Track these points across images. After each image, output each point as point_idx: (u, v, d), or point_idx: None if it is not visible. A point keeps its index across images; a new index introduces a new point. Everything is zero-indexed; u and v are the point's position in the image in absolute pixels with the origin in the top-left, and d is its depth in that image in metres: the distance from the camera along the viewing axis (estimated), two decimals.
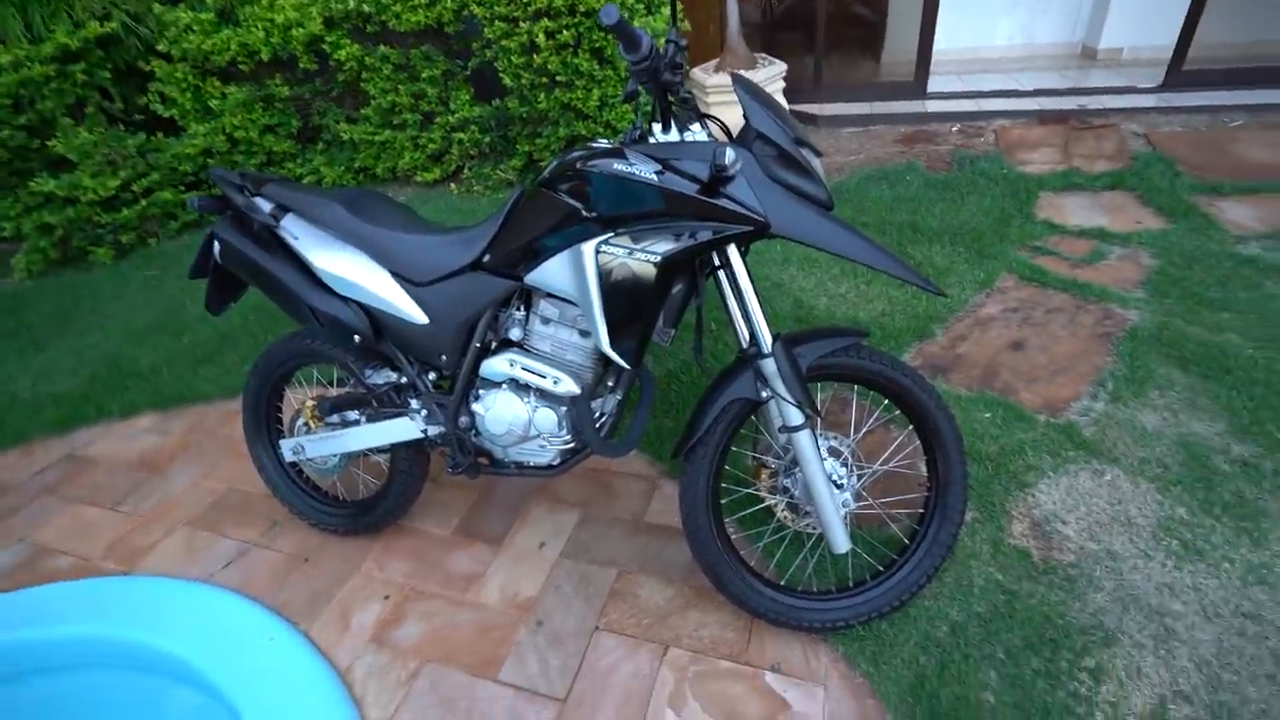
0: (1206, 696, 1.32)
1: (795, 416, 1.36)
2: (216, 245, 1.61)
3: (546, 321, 1.47)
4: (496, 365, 1.49)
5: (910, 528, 1.59)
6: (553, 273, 1.37)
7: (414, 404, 1.62)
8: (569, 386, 1.45)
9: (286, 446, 1.81)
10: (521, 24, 3.29)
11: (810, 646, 1.50)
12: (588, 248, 1.30)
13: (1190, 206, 2.87)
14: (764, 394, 1.39)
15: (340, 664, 1.58)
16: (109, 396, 2.65)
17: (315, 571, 1.83)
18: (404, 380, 1.62)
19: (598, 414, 1.53)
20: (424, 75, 3.67)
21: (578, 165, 1.30)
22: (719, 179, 1.21)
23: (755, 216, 1.23)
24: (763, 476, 1.58)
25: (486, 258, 1.45)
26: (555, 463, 1.57)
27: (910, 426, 1.51)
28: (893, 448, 1.70)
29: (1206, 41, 3.84)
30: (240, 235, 1.58)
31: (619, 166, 1.24)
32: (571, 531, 1.85)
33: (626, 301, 1.32)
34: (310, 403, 1.79)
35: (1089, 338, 2.21)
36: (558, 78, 3.41)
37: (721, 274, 1.43)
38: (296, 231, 1.54)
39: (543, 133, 3.68)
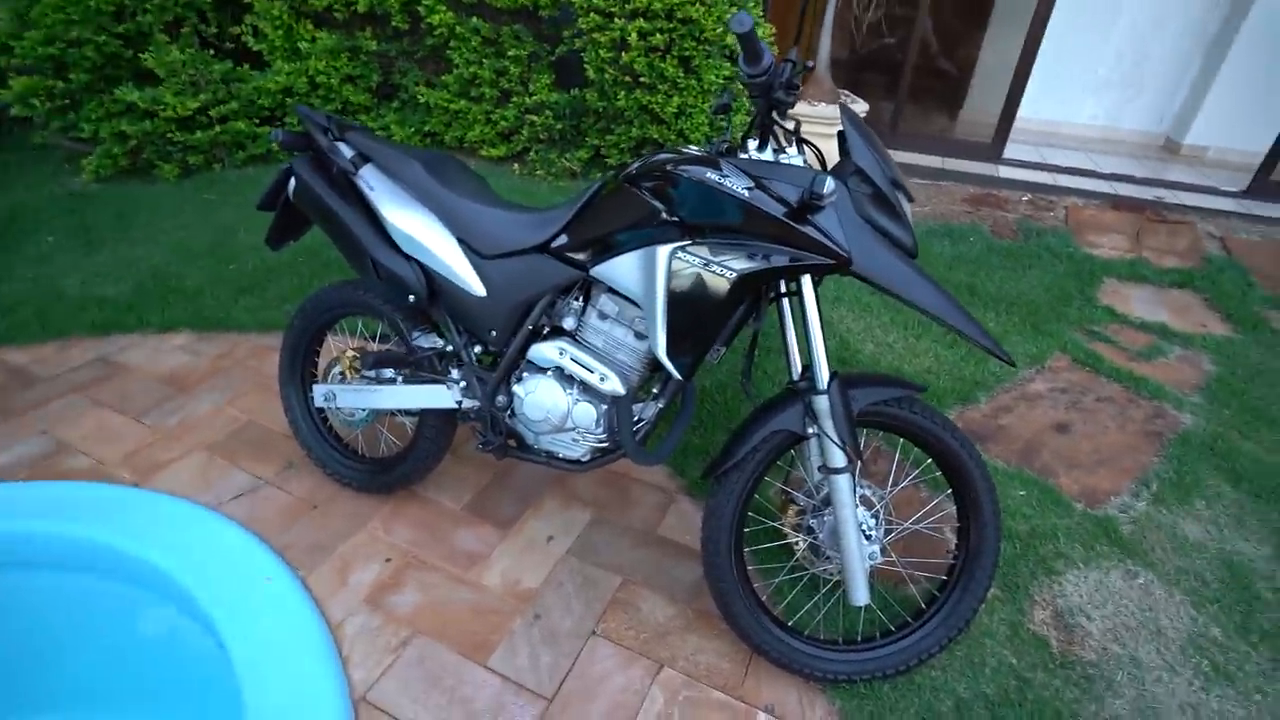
0: None
1: (839, 459, 1.32)
2: (292, 182, 1.62)
3: (604, 317, 1.45)
4: (546, 351, 1.47)
5: (929, 593, 1.55)
6: (621, 269, 1.36)
7: (454, 374, 1.61)
8: (615, 385, 1.42)
9: (319, 392, 1.81)
10: (616, 20, 3.30)
11: (807, 695, 1.46)
12: (663, 251, 1.28)
13: (1260, 319, 2.78)
14: (810, 430, 1.35)
15: (332, 618, 1.56)
16: (150, 309, 2.68)
17: (322, 521, 1.82)
18: (449, 349, 1.61)
19: (636, 419, 1.51)
20: (510, 53, 3.70)
21: (668, 167, 1.28)
22: (810, 206, 1.18)
23: (839, 251, 1.20)
24: (789, 513, 1.54)
25: (556, 242, 1.43)
26: (584, 459, 1.54)
27: (949, 491, 1.47)
28: (924, 508, 1.65)
29: None
30: (317, 176, 1.58)
31: (711, 175, 1.22)
32: (582, 531, 1.82)
33: (691, 312, 1.29)
34: (351, 353, 1.78)
35: (1138, 434, 2.14)
36: (641, 78, 3.41)
37: (786, 302, 1.40)
38: (373, 183, 1.54)
39: (615, 130, 3.68)
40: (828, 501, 1.48)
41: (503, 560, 1.73)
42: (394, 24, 3.78)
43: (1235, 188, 3.86)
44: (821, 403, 1.31)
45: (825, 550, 1.48)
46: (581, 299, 1.49)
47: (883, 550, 1.44)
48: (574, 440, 1.52)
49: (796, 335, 1.42)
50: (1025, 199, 3.76)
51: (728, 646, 1.54)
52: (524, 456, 1.61)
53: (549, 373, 1.50)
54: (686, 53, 3.33)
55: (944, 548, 1.73)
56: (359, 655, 1.48)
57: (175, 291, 2.80)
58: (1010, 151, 4.17)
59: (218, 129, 3.78)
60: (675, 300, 1.29)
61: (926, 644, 1.47)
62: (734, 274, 1.24)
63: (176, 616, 1.62)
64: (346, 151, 1.57)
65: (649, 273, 1.30)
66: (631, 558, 1.75)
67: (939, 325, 1.28)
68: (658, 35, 3.29)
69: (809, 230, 1.20)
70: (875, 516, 1.44)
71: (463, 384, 1.59)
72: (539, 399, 1.48)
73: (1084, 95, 4.66)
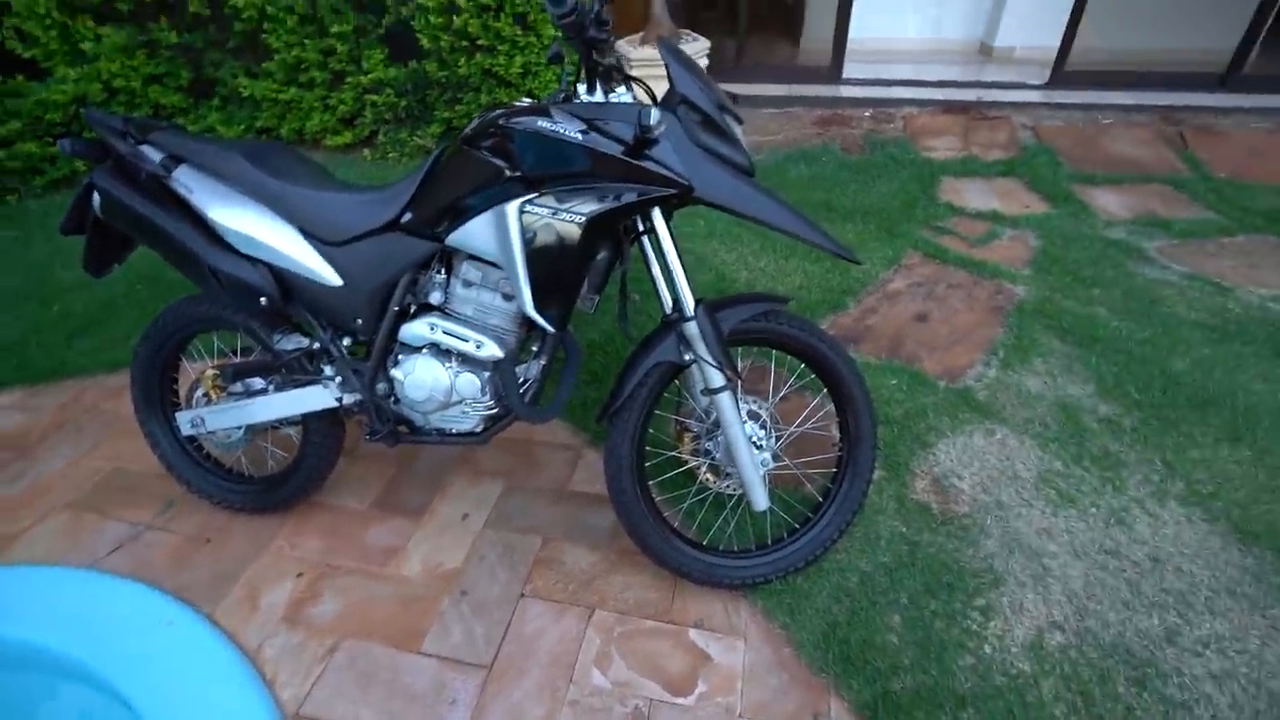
0: (1076, 624, 1.48)
1: (717, 379, 1.40)
2: (96, 197, 1.46)
3: (469, 285, 1.43)
4: (416, 329, 1.44)
5: (824, 487, 1.68)
6: (475, 234, 1.34)
7: (327, 371, 1.54)
8: (492, 350, 1.42)
9: (184, 419, 1.68)
10: None
11: (731, 603, 1.57)
12: (511, 208, 1.28)
13: (1069, 193, 3.15)
14: (687, 357, 1.42)
15: (249, 645, 1.50)
16: None
17: (219, 552, 1.72)
18: (316, 346, 1.53)
19: (521, 379, 1.52)
20: (333, 30, 3.44)
21: (500, 122, 1.26)
22: (644, 141, 1.21)
23: (679, 179, 1.24)
24: (685, 440, 1.62)
25: (405, 217, 1.39)
26: (478, 429, 1.54)
27: (824, 390, 1.59)
28: (807, 411, 1.78)
29: (1085, 46, 4.20)
30: (124, 186, 1.44)
31: (543, 124, 1.22)
32: (495, 502, 1.83)
33: (551, 263, 1.30)
34: (211, 372, 1.66)
35: (984, 311, 2.39)
36: (479, 41, 3.29)
37: (646, 240, 1.44)
38: (191, 184, 1.42)
39: (463, 99, 3.54)
40: (719, 423, 1.57)
41: (420, 548, 1.71)
42: (192, 10, 3.41)
43: (1039, 81, 4.28)
44: (691, 329, 1.38)
45: (724, 468, 1.57)
46: (443, 271, 1.46)
47: (775, 456, 1.55)
48: (463, 413, 1.51)
49: (661, 270, 1.48)
50: (868, 114, 4.00)
51: (651, 578, 1.62)
52: (417, 440, 1.58)
53: (424, 350, 1.47)
54: (519, 9, 3.23)
55: (831, 443, 1.88)
56: (285, 674, 1.44)
57: None
58: (849, 71, 4.39)
59: (1, 154, 3.30)
60: (533, 254, 1.30)
61: (828, 532, 1.61)
62: (583, 218, 1.25)
63: (74, 690, 1.50)
64: (154, 155, 1.43)
65: (502, 232, 1.30)
66: (548, 517, 1.78)
67: (785, 237, 1.36)
68: None
69: (647, 164, 1.23)
70: (764, 427, 1.54)
71: (339, 379, 1.53)
72: (419, 378, 1.45)
73: (906, 12, 4.96)
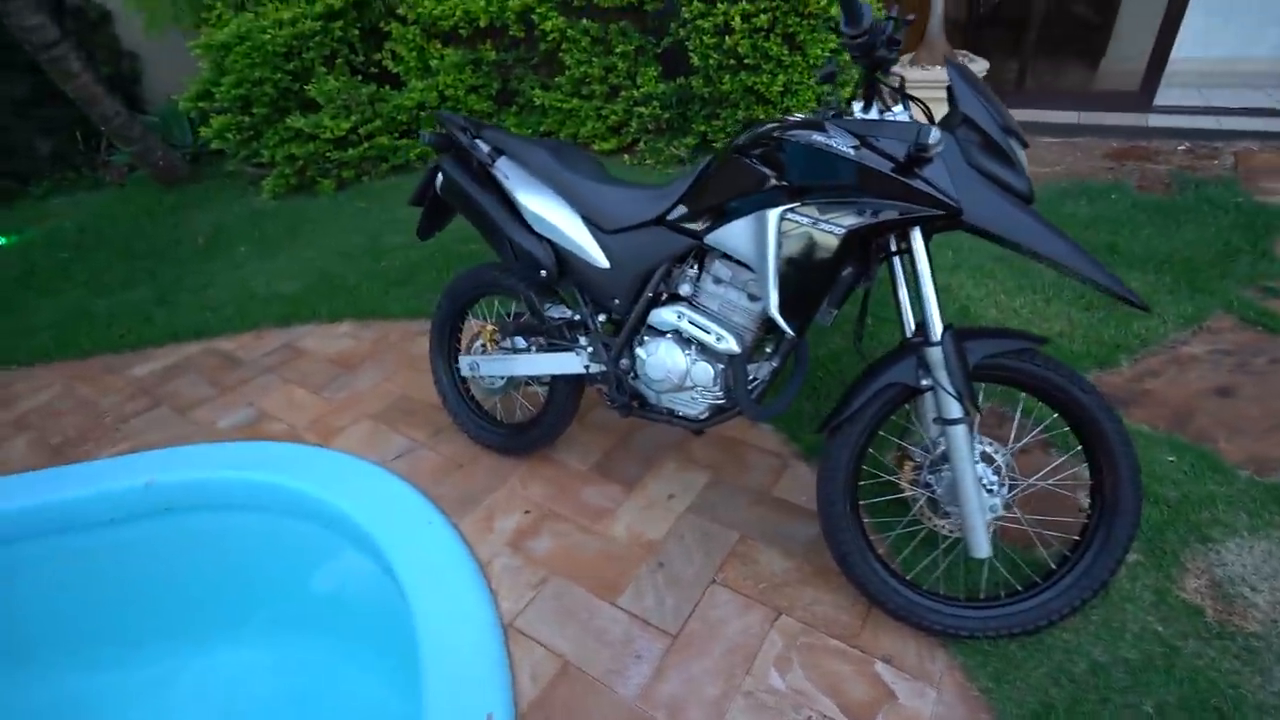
0: None
1: (954, 409, 1.33)
2: (439, 177, 1.85)
3: (718, 281, 1.55)
4: (665, 315, 1.59)
5: (1060, 554, 1.50)
6: (734, 235, 1.44)
7: (582, 341, 1.77)
8: (730, 345, 1.51)
9: (464, 362, 2.05)
10: (719, 5, 3.36)
11: (926, 648, 1.47)
12: (772, 214, 1.35)
13: None
14: (924, 382, 1.37)
15: (481, 557, 1.78)
16: (320, 302, 3.11)
17: (468, 477, 2.06)
18: (576, 318, 1.77)
19: (751, 377, 1.59)
20: (618, 49, 3.87)
21: (775, 134, 1.34)
22: (917, 159, 1.21)
23: (948, 201, 1.21)
24: (906, 468, 1.55)
25: (672, 215, 1.54)
26: (703, 416, 1.65)
27: (1077, 448, 1.42)
28: (1050, 467, 1.59)
29: None
30: (460, 170, 1.80)
31: (817, 138, 1.28)
32: (700, 490, 1.93)
33: (802, 270, 1.35)
34: (491, 327, 2.00)
35: None
36: (745, 60, 3.45)
37: (897, 260, 1.42)
38: (508, 172, 1.73)
39: (721, 114, 3.74)
40: (945, 457, 1.48)
41: (627, 515, 1.87)
42: (511, 34, 4.08)
43: None
44: (935, 354, 1.33)
45: (944, 506, 1.49)
46: (696, 266, 1.59)
47: (1006, 506, 1.42)
48: (692, 399, 1.63)
49: (909, 292, 1.45)
50: (1182, 148, 3.38)
51: (845, 600, 1.59)
52: (646, 415, 1.74)
53: (668, 336, 1.61)
54: (790, 29, 3.32)
55: (1075, 507, 1.65)
56: (505, 588, 1.68)
57: (338, 288, 3.22)
58: (1163, 98, 3.75)
59: (365, 145, 4.26)
60: (785, 260, 1.36)
61: (1057, 604, 1.43)
62: (842, 230, 1.28)
63: (355, 552, 1.92)
64: (484, 146, 1.77)
65: (760, 236, 1.38)
66: (748, 516, 1.83)
67: (1060, 273, 1.24)
68: (761, 16, 3.31)
69: (916, 183, 1.22)
70: (997, 473, 1.42)
71: (590, 350, 1.75)
72: (660, 359, 1.60)
73: (1264, 24, 4.07)
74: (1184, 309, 2.29)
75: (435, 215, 2.00)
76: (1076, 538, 1.46)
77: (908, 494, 1.55)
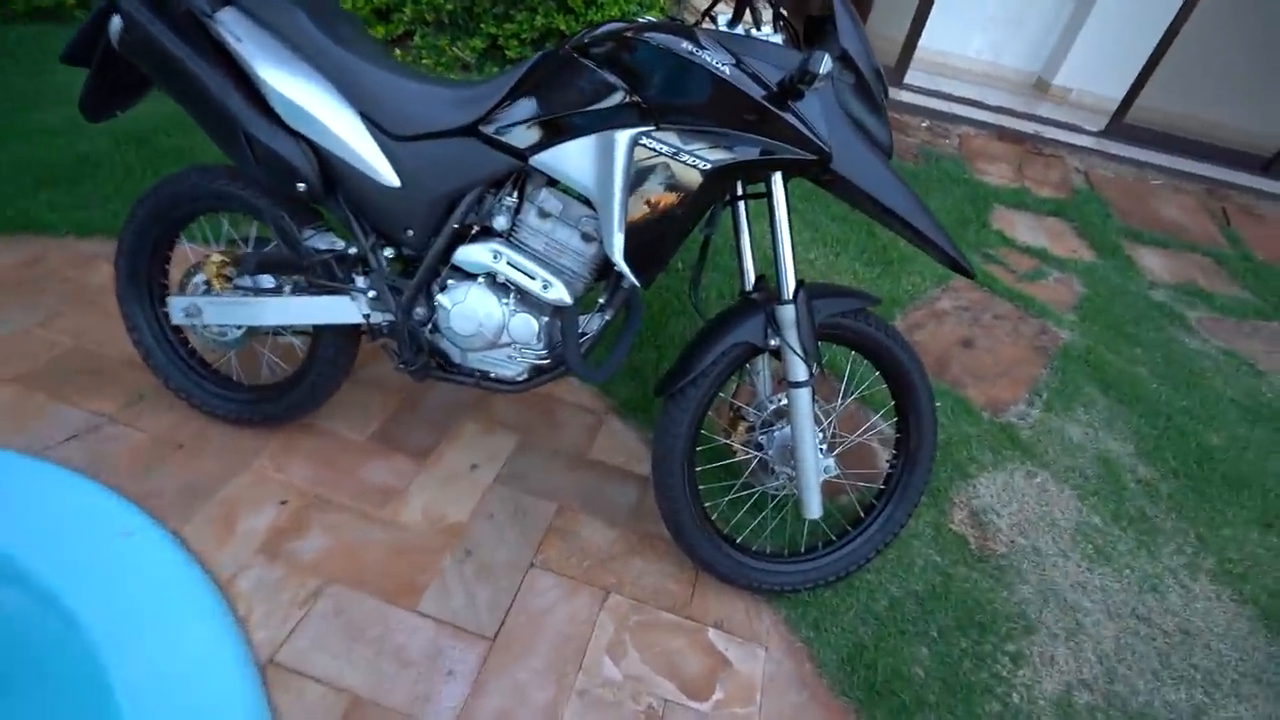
0: (1104, 686, 1.42)
1: (801, 372, 1.27)
2: (116, 22, 1.22)
3: (545, 215, 1.25)
4: (476, 254, 1.26)
5: (866, 502, 1.58)
6: (569, 158, 1.16)
7: (359, 282, 1.35)
8: (560, 294, 1.25)
9: (177, 306, 1.46)
10: None
11: (753, 607, 1.46)
12: (623, 136, 1.10)
13: (1117, 246, 3.09)
14: (772, 342, 1.28)
15: (221, 574, 1.32)
16: None
17: (193, 462, 1.52)
18: (352, 251, 1.34)
19: (581, 331, 1.35)
20: None
21: (629, 35, 1.08)
22: (792, 90, 1.05)
23: (820, 144, 1.09)
24: (739, 429, 1.49)
25: (488, 124, 1.20)
26: (521, 377, 1.38)
27: (888, 407, 1.48)
28: (860, 421, 1.67)
29: (1142, 104, 4.16)
30: (155, 17, 1.20)
31: (687, 46, 1.05)
32: (508, 457, 1.67)
33: (655, 210, 1.14)
34: (218, 258, 1.44)
35: (1028, 348, 2.31)
36: None
37: (741, 205, 1.29)
38: (239, 32, 1.19)
39: (515, 17, 3.27)
40: (779, 416, 1.44)
41: (422, 494, 1.55)
42: None
43: (1094, 128, 4.21)
44: (787, 313, 1.24)
45: (774, 466, 1.45)
46: (517, 194, 1.28)
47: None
48: (509, 357, 1.35)
49: (752, 241, 1.34)
50: (924, 125, 3.87)
51: (671, 567, 1.50)
52: (449, 377, 1.41)
53: (479, 280, 1.29)
54: None
55: (877, 458, 1.78)
56: (261, 613, 1.27)
57: None
58: (910, 78, 4.24)
59: None
60: (636, 196, 1.13)
61: (865, 550, 1.50)
62: (709, 166, 1.09)
63: (5, 594, 1.30)
64: None
65: (606, 163, 1.12)
66: (565, 482, 1.63)
67: (903, 236, 1.23)
68: None
69: (789, 118, 1.07)
70: (824, 431, 1.42)
71: (371, 294, 1.34)
72: (469, 309, 1.28)
73: (973, 29, 4.81)
74: (936, 271, 2.61)
75: (113, 85, 1.34)
76: (881, 486, 1.54)
77: (740, 456, 1.49)
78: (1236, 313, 2.84)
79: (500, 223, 1.28)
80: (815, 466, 1.35)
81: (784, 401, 1.40)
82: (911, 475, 1.49)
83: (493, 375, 1.39)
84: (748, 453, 1.48)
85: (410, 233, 1.27)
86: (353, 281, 1.36)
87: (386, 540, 1.44)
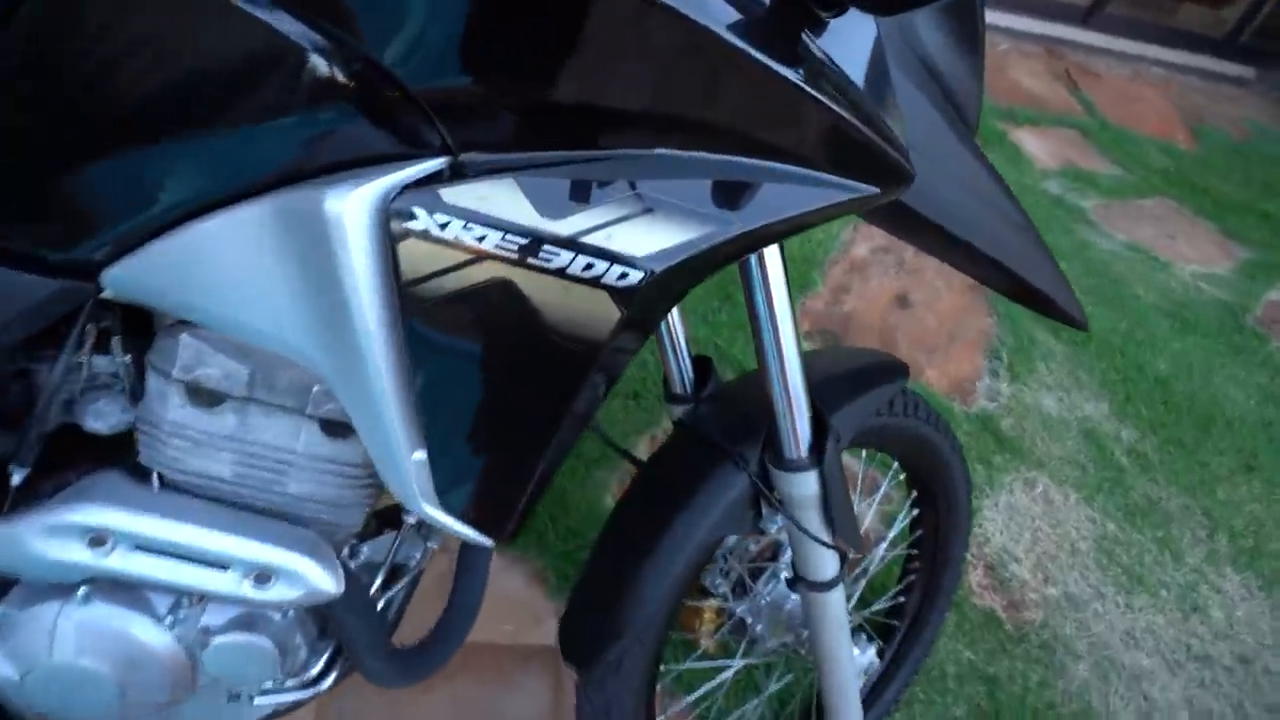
0: None
1: (830, 567, 0.67)
2: None
3: (210, 400, 0.48)
4: (50, 544, 0.46)
5: (877, 621, 1.09)
6: (205, 262, 0.39)
7: None
8: (319, 579, 0.51)
9: None
10: None
11: None
12: (343, 205, 0.36)
13: (1001, 134, 2.77)
14: (773, 527, 0.67)
15: None
16: None
17: None
18: None
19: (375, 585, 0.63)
20: None
21: None
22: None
23: (897, 160, 0.44)
24: (705, 616, 0.88)
25: None
26: None
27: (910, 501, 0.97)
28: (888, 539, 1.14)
29: None
30: None
31: None
32: None
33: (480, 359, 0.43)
34: None
35: (964, 288, 1.91)
36: None
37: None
38: None
39: None
40: (763, 554, 0.87)
41: None
42: None
43: None
44: (802, 485, 0.62)
45: (764, 639, 0.89)
46: (125, 352, 0.48)
47: (879, 653, 0.90)
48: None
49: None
50: None
51: None
52: None
53: (79, 593, 0.50)
54: None
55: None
56: None
57: None
58: None
59: None
60: (424, 323, 0.41)
61: (891, 693, 1.04)
62: (640, 274, 0.38)
63: None
64: None
65: (322, 263, 0.38)
66: None
67: (993, 284, 0.67)
68: None
69: (806, 88, 0.39)
70: (857, 616, 0.87)
71: None
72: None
73: None
74: None
75: None
76: (896, 600, 1.05)
77: (711, 653, 0.90)
78: (1120, 194, 2.67)
79: (111, 420, 0.49)
80: (852, 671, 0.80)
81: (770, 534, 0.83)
82: (941, 578, 1.02)
83: None
84: (723, 642, 0.90)
85: None
86: None
87: None
